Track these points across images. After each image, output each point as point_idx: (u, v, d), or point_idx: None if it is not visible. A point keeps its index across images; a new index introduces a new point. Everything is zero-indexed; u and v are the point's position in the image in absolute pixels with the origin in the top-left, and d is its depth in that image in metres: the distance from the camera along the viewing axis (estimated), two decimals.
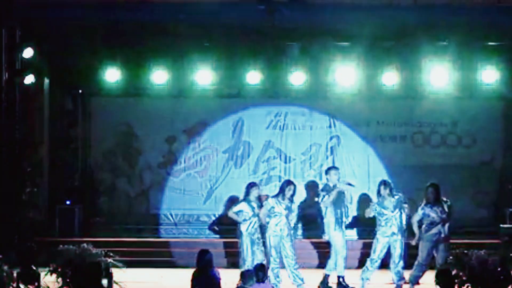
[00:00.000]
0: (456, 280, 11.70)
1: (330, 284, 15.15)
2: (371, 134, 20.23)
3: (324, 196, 15.04)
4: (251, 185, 15.42)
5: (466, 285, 12.25)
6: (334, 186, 15.06)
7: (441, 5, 17.11)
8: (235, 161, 20.32)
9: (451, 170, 19.76)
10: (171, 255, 18.54)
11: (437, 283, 9.91)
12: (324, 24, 17.56)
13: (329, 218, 15.02)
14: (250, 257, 14.89)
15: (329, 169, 15.62)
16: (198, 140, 20.35)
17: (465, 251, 12.80)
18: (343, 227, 15.10)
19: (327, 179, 15.28)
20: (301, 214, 19.55)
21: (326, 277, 15.21)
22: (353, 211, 18.29)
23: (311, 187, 19.44)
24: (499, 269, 12.04)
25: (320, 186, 16.28)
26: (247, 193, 15.23)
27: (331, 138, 20.27)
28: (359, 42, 17.73)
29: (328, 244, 15.27)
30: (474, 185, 20.04)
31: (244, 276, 11.41)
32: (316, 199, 15.53)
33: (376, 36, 17.42)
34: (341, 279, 15.10)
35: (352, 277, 15.19)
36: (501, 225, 18.33)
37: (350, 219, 17.59)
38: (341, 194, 15.05)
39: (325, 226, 15.08)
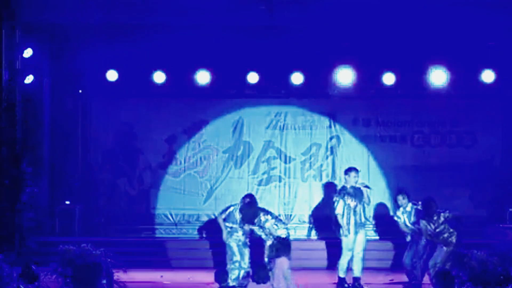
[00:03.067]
0: (456, 280, 11.70)
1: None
2: (371, 134, 20.23)
3: (337, 201, 15.01)
4: None
5: (466, 285, 12.25)
6: (352, 187, 14.97)
7: (441, 5, 17.10)
8: (235, 161, 20.31)
9: (451, 170, 19.76)
10: (171, 255, 18.52)
11: (437, 283, 9.91)
12: (323, 23, 17.55)
13: (346, 220, 14.94)
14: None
15: (349, 170, 15.32)
16: (198, 140, 20.35)
17: (465, 251, 12.80)
18: (359, 229, 15.01)
19: (345, 179, 15.22)
20: (314, 216, 19.57)
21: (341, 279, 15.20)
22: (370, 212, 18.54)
23: (327, 187, 19.47)
24: (499, 269, 12.03)
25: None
26: None
27: (331, 138, 20.26)
28: (359, 42, 17.73)
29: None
30: (474, 185, 20.04)
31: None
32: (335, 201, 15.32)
33: (376, 35, 17.42)
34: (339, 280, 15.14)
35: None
36: (501, 225, 18.33)
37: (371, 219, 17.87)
38: (360, 196, 15.00)
39: (343, 228, 14.99)
